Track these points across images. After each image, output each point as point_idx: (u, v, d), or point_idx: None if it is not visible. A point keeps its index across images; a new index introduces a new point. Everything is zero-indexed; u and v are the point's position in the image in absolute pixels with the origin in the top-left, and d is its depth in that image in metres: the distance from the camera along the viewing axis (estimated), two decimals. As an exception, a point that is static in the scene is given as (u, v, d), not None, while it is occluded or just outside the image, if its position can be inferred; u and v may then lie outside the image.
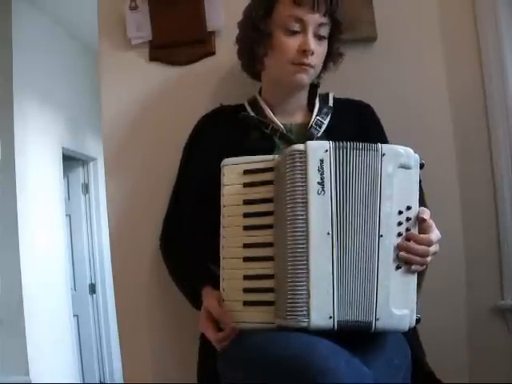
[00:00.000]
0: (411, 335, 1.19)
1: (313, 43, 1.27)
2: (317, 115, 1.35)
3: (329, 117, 1.36)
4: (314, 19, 1.27)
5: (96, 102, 1.79)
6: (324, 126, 1.34)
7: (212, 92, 1.59)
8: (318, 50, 1.29)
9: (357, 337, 1.04)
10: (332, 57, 1.38)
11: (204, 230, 1.29)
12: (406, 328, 1.06)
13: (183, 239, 1.39)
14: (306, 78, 1.31)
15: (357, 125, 1.37)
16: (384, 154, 1.07)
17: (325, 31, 1.30)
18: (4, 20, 3.01)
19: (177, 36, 1.62)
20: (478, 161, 1.62)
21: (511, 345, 1.58)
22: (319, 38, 1.29)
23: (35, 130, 3.32)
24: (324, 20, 1.28)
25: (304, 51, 1.26)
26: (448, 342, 1.52)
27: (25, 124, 3.15)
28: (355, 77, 1.59)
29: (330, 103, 1.39)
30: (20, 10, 3.14)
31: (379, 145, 1.08)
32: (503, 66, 1.61)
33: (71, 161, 4.06)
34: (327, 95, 1.41)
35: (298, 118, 1.38)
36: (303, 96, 1.40)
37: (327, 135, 1.31)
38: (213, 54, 1.62)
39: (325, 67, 1.38)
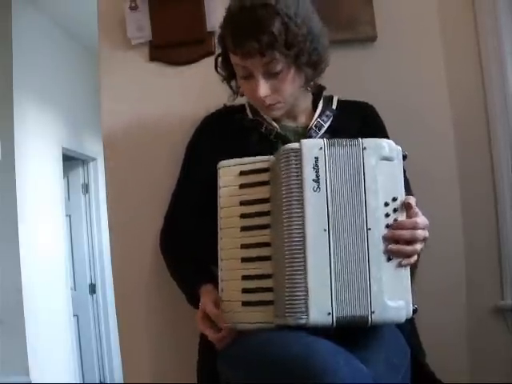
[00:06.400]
0: (411, 335, 1.19)
1: (263, 87, 1.21)
2: (318, 117, 1.34)
3: (330, 119, 1.34)
4: (254, 63, 1.19)
5: (96, 102, 1.79)
6: (324, 128, 1.33)
7: (212, 92, 1.58)
8: (277, 86, 1.22)
9: (356, 336, 1.04)
10: (308, 71, 1.25)
11: (203, 232, 1.28)
12: (403, 319, 1.05)
13: (182, 239, 1.39)
14: (279, 112, 1.29)
15: (360, 126, 1.36)
16: (365, 148, 1.07)
17: (275, 67, 1.19)
18: (4, 21, 3.02)
19: (177, 36, 1.62)
20: (478, 160, 1.62)
21: (511, 345, 1.58)
22: (273, 75, 1.21)
23: (35, 130, 3.32)
24: (267, 59, 1.18)
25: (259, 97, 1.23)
26: (448, 342, 1.52)
27: (25, 124, 3.15)
28: (355, 77, 1.59)
29: (334, 106, 1.37)
30: (20, 11, 3.14)
31: (360, 139, 1.08)
32: (503, 66, 1.61)
33: (71, 161, 4.07)
34: (331, 98, 1.39)
35: (302, 120, 1.37)
36: (302, 101, 1.36)
37: (331, 136, 1.29)
38: (213, 54, 1.62)
39: (310, 79, 1.29)
